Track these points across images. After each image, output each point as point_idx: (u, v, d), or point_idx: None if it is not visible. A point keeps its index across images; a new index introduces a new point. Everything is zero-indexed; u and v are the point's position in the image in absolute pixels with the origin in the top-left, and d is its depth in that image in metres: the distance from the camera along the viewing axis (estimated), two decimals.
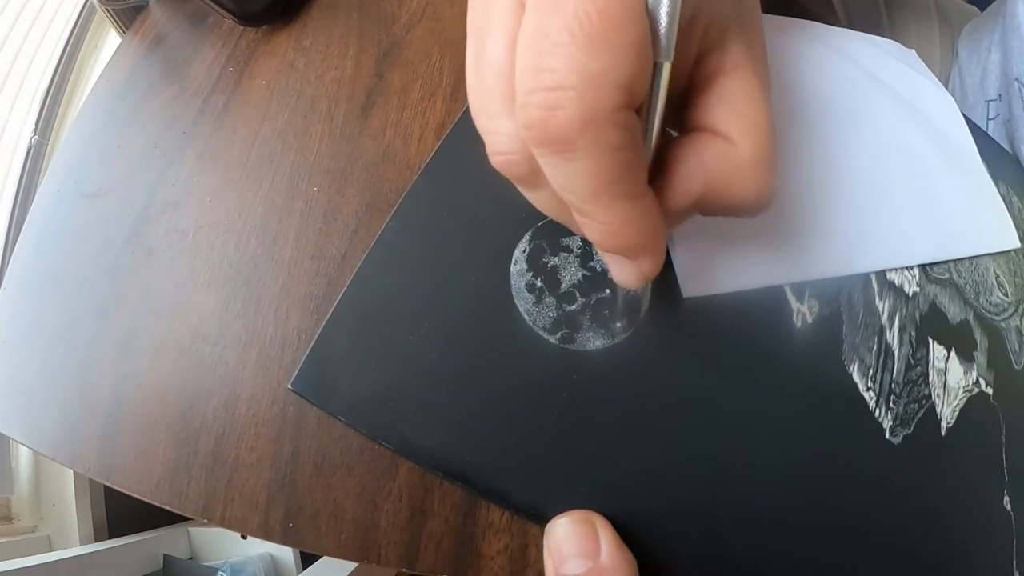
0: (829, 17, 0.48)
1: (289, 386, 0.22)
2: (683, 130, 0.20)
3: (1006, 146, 0.40)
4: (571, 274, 0.24)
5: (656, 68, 0.15)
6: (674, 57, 0.15)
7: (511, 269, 0.24)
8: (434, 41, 0.29)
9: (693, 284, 0.24)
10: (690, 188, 0.18)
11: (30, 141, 0.67)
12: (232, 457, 0.22)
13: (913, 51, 0.37)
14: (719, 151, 0.18)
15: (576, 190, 0.16)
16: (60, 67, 0.70)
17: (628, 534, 0.21)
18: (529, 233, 0.24)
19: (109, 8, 0.31)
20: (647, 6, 0.14)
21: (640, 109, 0.16)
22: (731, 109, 0.18)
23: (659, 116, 0.16)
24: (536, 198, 0.19)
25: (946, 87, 0.46)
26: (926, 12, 0.49)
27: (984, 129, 0.41)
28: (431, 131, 0.27)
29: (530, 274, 0.24)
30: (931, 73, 0.36)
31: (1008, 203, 0.32)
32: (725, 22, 0.18)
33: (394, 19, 0.30)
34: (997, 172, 0.33)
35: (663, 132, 0.17)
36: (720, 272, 0.25)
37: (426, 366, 0.22)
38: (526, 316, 0.23)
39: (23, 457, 0.64)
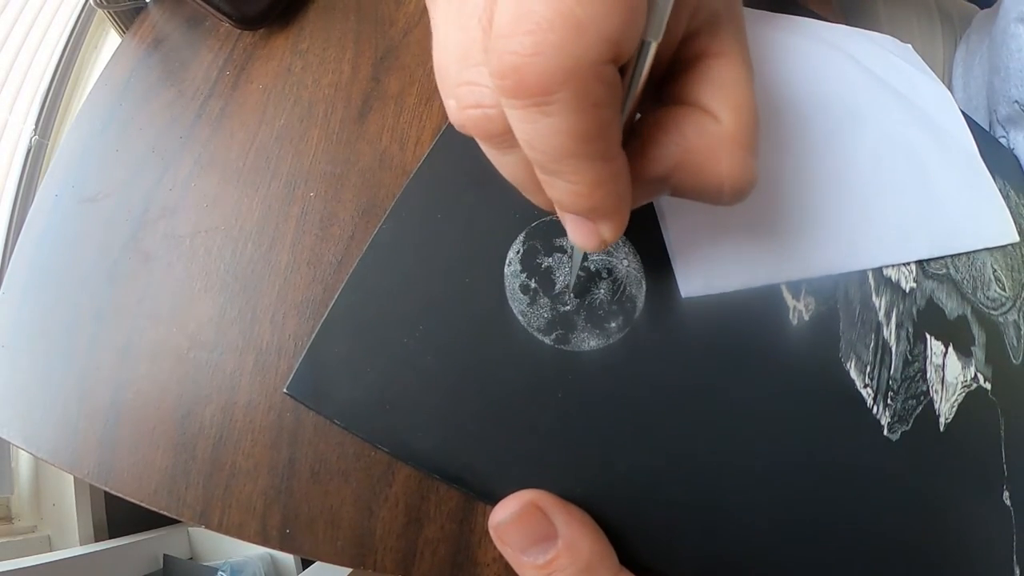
0: (827, 14, 0.47)
1: (284, 390, 0.22)
2: (664, 103, 0.19)
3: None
4: (565, 275, 0.24)
5: (643, 47, 0.15)
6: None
7: (505, 270, 0.24)
8: (431, 45, 0.29)
9: (693, 284, 0.24)
10: (665, 156, 0.18)
11: (30, 141, 0.67)
12: (229, 463, 0.22)
13: (909, 46, 0.37)
14: (701, 123, 0.17)
15: (547, 148, 0.15)
16: (60, 67, 0.70)
17: (625, 535, 0.21)
18: (523, 234, 0.24)
19: (108, 10, 0.31)
20: None
21: (623, 74, 0.15)
22: (717, 88, 0.18)
23: (638, 93, 0.16)
24: (504, 161, 0.18)
25: (949, 85, 0.46)
26: (927, 11, 0.49)
27: (986, 127, 0.41)
28: (427, 136, 0.27)
29: (524, 275, 0.24)
30: (928, 68, 0.35)
31: (1005, 197, 0.32)
32: (716, 7, 0.18)
33: (391, 22, 0.30)
34: (994, 166, 0.33)
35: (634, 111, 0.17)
36: (720, 271, 0.25)
37: (421, 368, 0.22)
38: (520, 317, 0.23)
39: (23, 458, 0.64)
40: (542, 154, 0.15)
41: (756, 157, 0.18)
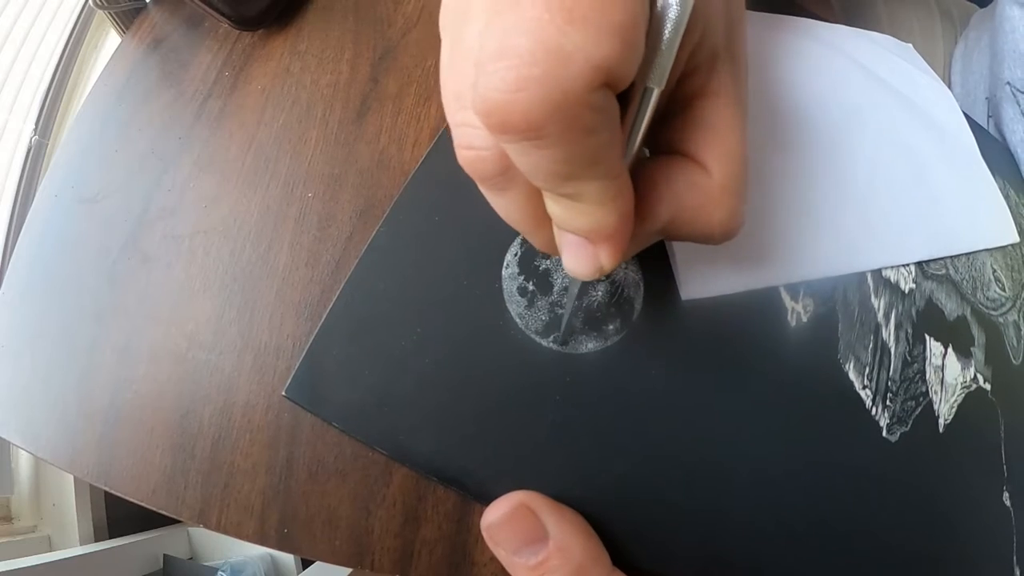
0: (826, 15, 0.47)
1: (283, 393, 0.22)
2: (657, 151, 0.19)
3: None
4: (563, 277, 0.24)
5: (645, 93, 0.15)
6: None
7: (503, 273, 0.24)
8: (430, 45, 0.29)
9: (693, 286, 0.24)
10: (659, 213, 0.18)
11: (30, 141, 0.67)
12: (228, 463, 0.22)
13: (910, 45, 0.37)
14: (691, 177, 0.18)
15: (547, 177, 0.14)
16: (60, 67, 0.70)
17: (622, 536, 0.21)
18: (521, 236, 0.24)
19: (108, 10, 0.31)
20: (653, 22, 0.14)
21: (623, 119, 0.15)
22: (708, 135, 0.18)
23: (640, 139, 0.16)
24: (501, 203, 0.18)
25: (948, 83, 0.46)
26: (927, 10, 0.49)
27: (984, 126, 0.41)
28: (425, 136, 0.27)
29: (522, 277, 0.24)
30: (928, 67, 0.35)
31: (1005, 197, 0.32)
32: (715, 45, 0.18)
33: (390, 23, 0.30)
34: (994, 166, 0.33)
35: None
36: (720, 274, 0.25)
37: (419, 371, 0.23)
38: (518, 320, 0.23)
39: (23, 458, 0.64)
40: (543, 182, 0.15)
41: (744, 201, 0.18)
